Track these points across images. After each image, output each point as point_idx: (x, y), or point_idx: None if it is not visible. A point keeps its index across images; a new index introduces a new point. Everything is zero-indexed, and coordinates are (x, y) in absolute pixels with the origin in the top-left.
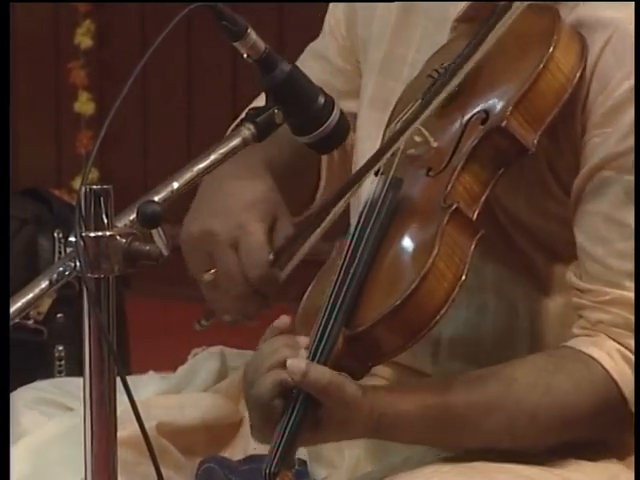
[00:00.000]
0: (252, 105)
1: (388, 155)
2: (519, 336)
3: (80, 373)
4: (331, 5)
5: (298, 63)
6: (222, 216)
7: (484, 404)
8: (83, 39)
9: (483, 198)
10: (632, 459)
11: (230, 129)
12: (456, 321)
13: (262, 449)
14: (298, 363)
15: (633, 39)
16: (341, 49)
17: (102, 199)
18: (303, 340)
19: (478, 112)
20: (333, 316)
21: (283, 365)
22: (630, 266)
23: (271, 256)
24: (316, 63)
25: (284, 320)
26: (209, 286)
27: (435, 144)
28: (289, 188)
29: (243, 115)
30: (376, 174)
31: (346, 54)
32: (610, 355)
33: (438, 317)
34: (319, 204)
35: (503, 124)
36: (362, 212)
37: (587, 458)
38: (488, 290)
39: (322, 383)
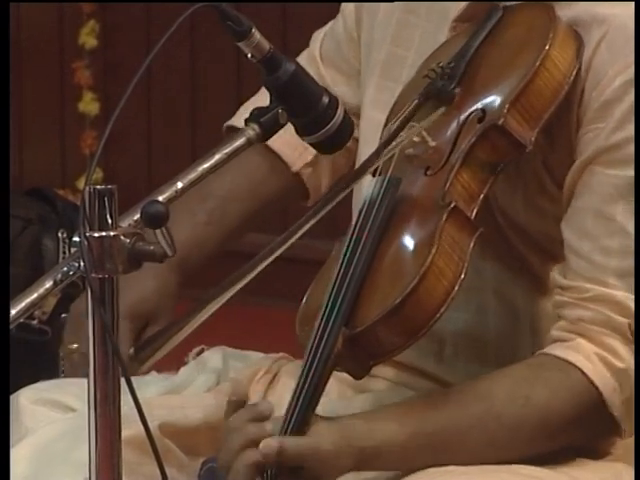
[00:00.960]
0: (253, 99)
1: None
2: (521, 335)
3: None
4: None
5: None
6: None
7: (465, 424)
8: (88, 39)
9: (481, 196)
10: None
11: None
12: (458, 321)
13: None
14: (270, 444)
15: (627, 35)
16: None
17: (106, 199)
18: (266, 408)
19: (475, 110)
20: (333, 316)
21: (252, 443)
22: (615, 263)
23: (131, 351)
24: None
25: (240, 391)
26: (67, 358)
27: (433, 143)
28: (255, 221)
29: (242, 109)
30: (374, 174)
31: (352, 44)
32: (588, 359)
33: (438, 315)
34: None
35: (500, 122)
36: (361, 211)
37: (590, 457)
38: (487, 290)
39: (297, 454)
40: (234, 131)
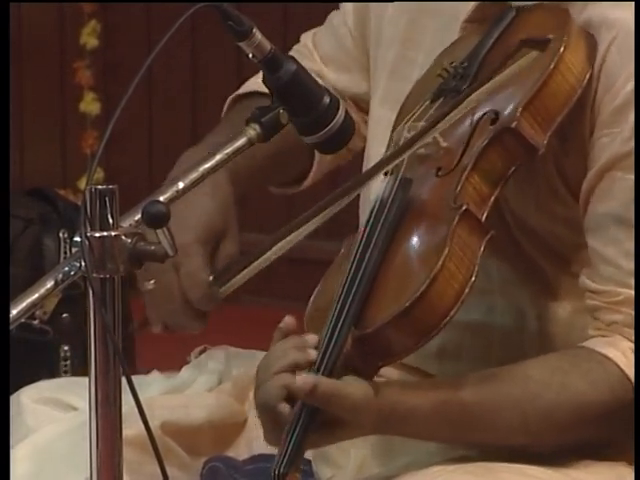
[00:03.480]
0: (251, 80)
1: (385, 169)
2: (528, 339)
3: (85, 373)
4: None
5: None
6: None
7: (498, 401)
8: (89, 39)
9: (492, 199)
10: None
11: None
12: (464, 322)
13: (267, 448)
14: (306, 379)
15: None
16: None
17: (107, 199)
18: (312, 339)
19: (488, 112)
20: (342, 316)
21: (290, 368)
22: None
23: (211, 277)
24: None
25: (289, 321)
26: (148, 295)
27: (445, 144)
28: (273, 177)
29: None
30: (385, 174)
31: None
32: (625, 355)
33: (448, 318)
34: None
35: (513, 125)
36: (371, 212)
37: (595, 458)
38: (496, 292)
39: (329, 394)
40: (238, 101)
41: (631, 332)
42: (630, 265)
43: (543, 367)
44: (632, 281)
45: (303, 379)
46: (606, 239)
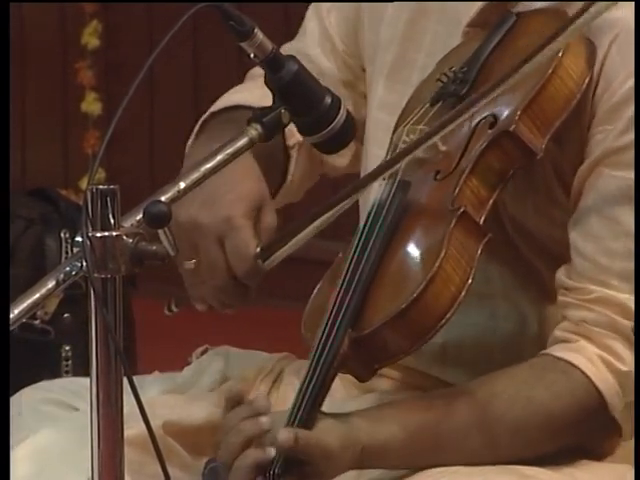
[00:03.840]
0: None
1: (397, 166)
2: (528, 342)
3: (87, 373)
4: (318, 7)
5: None
6: (210, 208)
7: (466, 425)
8: (90, 39)
9: (490, 202)
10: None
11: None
12: (465, 326)
13: None
14: (287, 434)
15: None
16: (330, 52)
17: (109, 199)
18: (261, 404)
19: (486, 116)
20: (339, 318)
21: (250, 441)
22: (620, 265)
23: (258, 249)
24: None
25: (233, 390)
26: (190, 274)
27: (443, 147)
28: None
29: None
30: (384, 177)
31: (336, 57)
32: (591, 361)
33: (444, 320)
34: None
35: (512, 129)
36: (369, 214)
37: (594, 458)
38: (497, 296)
39: (307, 447)
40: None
41: (601, 333)
42: (612, 264)
43: (509, 383)
44: (613, 281)
45: (284, 433)
46: (586, 234)
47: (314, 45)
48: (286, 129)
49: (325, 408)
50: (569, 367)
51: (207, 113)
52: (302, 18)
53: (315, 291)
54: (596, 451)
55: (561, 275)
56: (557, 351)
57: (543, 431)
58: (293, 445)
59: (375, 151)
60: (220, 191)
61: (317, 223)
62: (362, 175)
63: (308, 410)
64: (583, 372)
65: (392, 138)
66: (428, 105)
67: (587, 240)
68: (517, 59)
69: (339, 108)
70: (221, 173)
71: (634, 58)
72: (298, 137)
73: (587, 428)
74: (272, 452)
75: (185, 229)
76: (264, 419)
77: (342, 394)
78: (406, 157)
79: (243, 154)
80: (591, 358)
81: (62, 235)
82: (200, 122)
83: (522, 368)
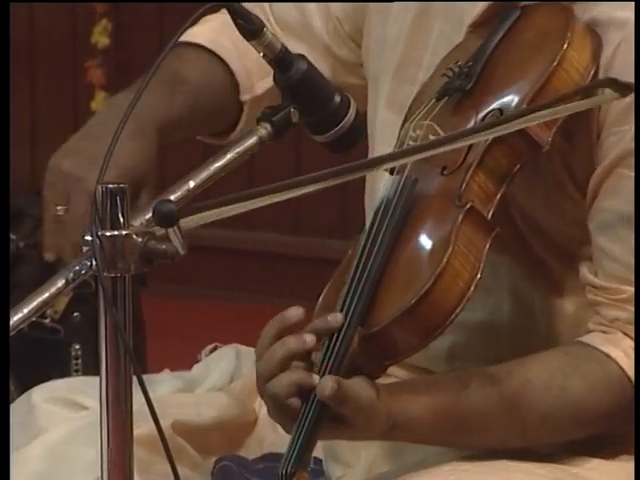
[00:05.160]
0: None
1: (398, 164)
2: (536, 337)
3: (96, 372)
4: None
5: None
6: (95, 168)
7: (497, 408)
8: (100, 38)
9: (498, 196)
10: None
11: None
12: (472, 322)
13: (277, 447)
14: (328, 383)
15: None
16: (324, 15)
17: (118, 198)
18: (293, 312)
19: (492, 110)
20: (349, 315)
21: (292, 357)
22: None
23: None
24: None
25: (295, 312)
26: (54, 220)
27: None
28: (202, 127)
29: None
30: (391, 173)
31: (328, 20)
32: (626, 353)
33: (453, 316)
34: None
35: None
36: (377, 211)
37: (603, 457)
38: (504, 291)
39: (346, 397)
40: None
41: (633, 329)
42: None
43: (543, 369)
44: None
45: (325, 382)
46: (612, 236)
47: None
48: (245, 83)
49: None
50: (606, 359)
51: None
52: None
53: (324, 290)
54: (605, 449)
55: (587, 273)
56: (595, 339)
57: (574, 421)
58: (335, 393)
59: (383, 149)
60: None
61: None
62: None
63: (317, 413)
64: (619, 364)
65: (399, 135)
66: (434, 100)
67: (613, 241)
68: (522, 52)
69: (348, 107)
70: (112, 132)
71: (634, 58)
72: (256, 92)
73: (618, 419)
74: (317, 380)
75: (65, 177)
76: (309, 337)
77: None
78: (408, 158)
79: (144, 125)
80: (626, 350)
81: None
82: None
83: (557, 356)
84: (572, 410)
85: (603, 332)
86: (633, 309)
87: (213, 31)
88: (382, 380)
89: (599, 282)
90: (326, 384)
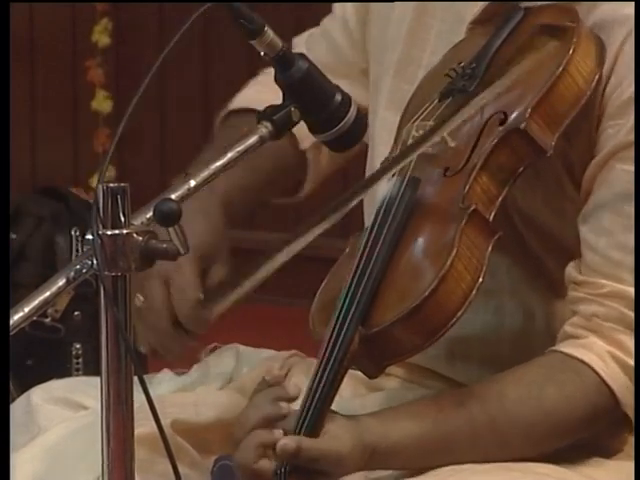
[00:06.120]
0: (243, 93)
1: (403, 163)
2: (536, 338)
3: (97, 371)
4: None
5: (308, 35)
6: None
7: (476, 426)
8: (101, 37)
9: (500, 199)
10: None
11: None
12: (472, 323)
13: None
14: (288, 444)
15: None
16: (349, 37)
17: (119, 197)
18: (292, 389)
19: (497, 113)
20: (349, 315)
21: (264, 423)
22: (631, 259)
23: (201, 295)
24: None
25: (275, 373)
26: (137, 315)
27: (453, 144)
28: (266, 194)
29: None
30: (393, 174)
31: (353, 43)
32: (601, 358)
33: (455, 319)
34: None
35: (522, 126)
36: (379, 211)
37: (606, 456)
38: (504, 292)
39: (314, 456)
40: (230, 117)
41: (612, 328)
42: (624, 258)
43: (519, 384)
44: (625, 275)
45: (284, 444)
46: (599, 229)
47: (338, 28)
48: (300, 133)
49: (334, 405)
50: (580, 365)
51: (226, 110)
52: (313, 16)
53: (321, 288)
54: (605, 448)
55: (572, 270)
56: (567, 347)
57: (554, 431)
58: (295, 454)
59: (382, 150)
60: None
61: (267, 267)
62: (367, 173)
63: (318, 411)
64: (594, 370)
65: (400, 134)
66: (437, 101)
67: (599, 234)
68: (526, 56)
69: (349, 106)
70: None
71: (634, 58)
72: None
73: (598, 425)
74: (279, 434)
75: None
76: (284, 404)
77: (349, 392)
78: (411, 155)
79: (209, 205)
80: (602, 355)
81: (72, 233)
82: (219, 120)
83: (531, 368)
84: (551, 421)
85: (575, 337)
86: (612, 304)
87: (255, 91)
88: (382, 380)
89: (581, 277)
90: (285, 446)
